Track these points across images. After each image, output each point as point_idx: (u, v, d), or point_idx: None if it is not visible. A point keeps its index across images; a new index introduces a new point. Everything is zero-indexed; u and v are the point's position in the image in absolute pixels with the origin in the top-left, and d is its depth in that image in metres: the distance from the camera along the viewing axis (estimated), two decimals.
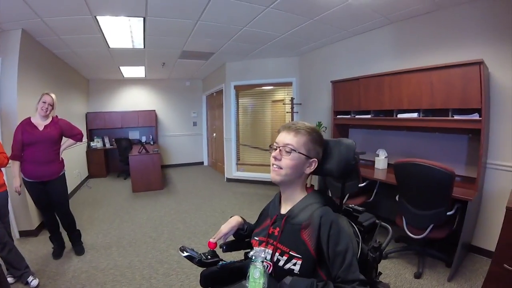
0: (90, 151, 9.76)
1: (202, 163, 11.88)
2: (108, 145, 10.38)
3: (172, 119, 11.36)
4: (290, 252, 1.52)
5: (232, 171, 8.75)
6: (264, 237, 1.70)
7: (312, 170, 1.65)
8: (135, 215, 5.95)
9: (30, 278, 3.41)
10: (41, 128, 3.78)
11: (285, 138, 1.61)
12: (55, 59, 6.65)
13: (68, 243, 4.36)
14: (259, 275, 1.54)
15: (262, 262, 1.57)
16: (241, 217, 1.97)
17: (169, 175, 9.86)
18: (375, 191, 4.50)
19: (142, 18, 4.61)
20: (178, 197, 7.24)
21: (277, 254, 1.58)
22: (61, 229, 4.24)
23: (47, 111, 3.76)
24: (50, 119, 3.90)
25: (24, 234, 4.81)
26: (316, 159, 1.64)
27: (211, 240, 1.84)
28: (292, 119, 6.96)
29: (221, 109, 9.17)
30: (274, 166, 1.62)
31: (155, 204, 6.69)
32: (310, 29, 5.10)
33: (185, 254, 1.83)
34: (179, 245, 4.11)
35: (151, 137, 10.91)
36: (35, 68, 5.39)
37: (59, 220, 4.17)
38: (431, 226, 3.35)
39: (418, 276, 3.46)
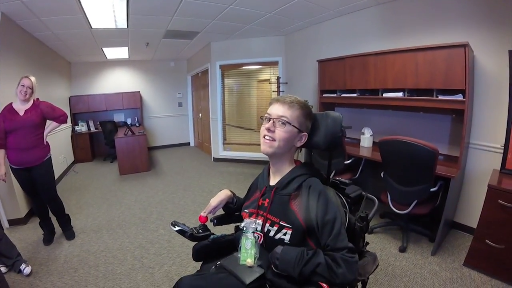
0: (75, 135, 9.58)
1: (188, 143, 11.86)
2: (93, 129, 10.21)
3: (157, 100, 11.25)
4: (280, 222, 1.58)
5: (218, 151, 8.77)
6: (254, 209, 1.74)
7: (302, 143, 1.68)
8: (123, 198, 5.96)
9: (22, 266, 3.40)
10: (21, 113, 3.69)
11: (278, 110, 1.62)
12: (36, 43, 6.48)
13: (58, 229, 4.34)
14: (251, 245, 1.61)
15: (253, 233, 1.63)
16: (230, 191, 2.00)
17: (155, 157, 9.84)
18: (360, 168, 4.60)
19: None
20: (165, 178, 7.27)
21: (267, 224, 1.63)
22: (51, 215, 4.22)
23: (26, 94, 3.67)
24: (31, 102, 3.79)
25: (13, 222, 4.75)
26: (306, 133, 1.67)
27: (202, 214, 1.86)
28: None
29: (207, 89, 9.10)
30: (267, 137, 1.63)
31: (142, 186, 6.70)
32: (295, 8, 5.05)
33: (177, 228, 1.85)
34: (169, 225, 4.18)
35: (136, 119, 10.80)
36: (15, 53, 5.25)
37: (47, 206, 4.14)
38: (415, 202, 3.44)
39: (402, 250, 3.58)
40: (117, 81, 10.67)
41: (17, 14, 4.80)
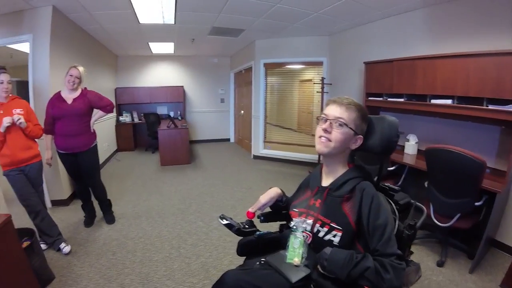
0: (118, 125, 10.02)
1: (228, 139, 11.94)
2: (136, 120, 10.57)
3: (200, 95, 11.42)
4: (331, 224, 1.57)
5: (259, 148, 8.75)
6: (305, 208, 1.74)
7: (357, 146, 1.66)
8: (163, 188, 6.10)
9: (62, 245, 3.59)
10: (69, 101, 3.85)
11: (336, 111, 1.61)
12: (85, 35, 6.76)
13: (99, 212, 4.54)
14: (299, 244, 1.61)
15: (302, 232, 1.63)
16: (280, 189, 1.99)
17: (195, 151, 9.99)
18: (403, 176, 4.44)
19: None
20: (205, 172, 7.35)
21: (317, 225, 1.62)
22: (93, 199, 4.40)
23: (74, 84, 3.82)
24: (79, 92, 3.94)
25: (56, 203, 5.02)
26: (361, 136, 1.65)
27: (250, 209, 1.87)
28: (322, 99, 6.90)
29: (249, 87, 9.11)
30: (323, 138, 1.62)
31: (182, 177, 6.82)
32: (342, 8, 4.97)
33: (225, 222, 1.88)
34: (207, 218, 4.30)
35: (178, 112, 11.01)
36: (66, 44, 5.49)
37: (90, 190, 4.32)
38: (458, 215, 3.30)
39: (440, 264, 3.44)
40: (161, 75, 10.97)
41: (68, 7, 5.02)
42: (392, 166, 4.40)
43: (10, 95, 3.35)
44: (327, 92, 7.03)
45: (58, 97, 3.86)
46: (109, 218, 4.48)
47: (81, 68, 3.89)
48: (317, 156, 7.04)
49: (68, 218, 4.60)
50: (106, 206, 4.49)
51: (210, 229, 4.22)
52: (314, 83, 7.48)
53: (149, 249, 3.74)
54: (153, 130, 9.41)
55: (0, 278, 1.97)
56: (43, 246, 3.50)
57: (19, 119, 3.18)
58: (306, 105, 8.42)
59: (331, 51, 7.20)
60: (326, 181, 1.75)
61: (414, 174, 4.24)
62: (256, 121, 8.70)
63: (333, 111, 1.62)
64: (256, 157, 8.79)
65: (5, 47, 5.19)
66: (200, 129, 11.56)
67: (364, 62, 5.33)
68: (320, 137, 1.63)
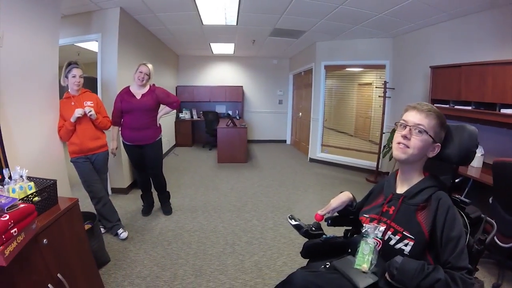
0: (178, 121, 10.43)
1: (284, 141, 11.93)
2: (195, 117, 10.94)
3: (258, 96, 11.54)
4: (404, 232, 1.53)
5: (316, 151, 8.64)
6: (377, 214, 1.71)
7: (434, 154, 1.61)
8: (219, 184, 6.23)
9: (120, 230, 3.80)
10: (138, 96, 4.06)
11: (415, 117, 1.58)
12: (149, 35, 7.09)
13: (157, 203, 4.73)
14: (369, 251, 1.57)
15: (373, 239, 1.60)
16: (351, 194, 1.98)
17: (252, 150, 10.09)
18: (466, 189, 4.17)
19: None
20: (261, 172, 7.39)
21: (389, 232, 1.59)
22: (153, 190, 4.60)
23: (143, 80, 4.02)
24: (147, 87, 4.15)
25: (116, 191, 5.33)
26: (439, 144, 1.60)
27: (319, 212, 1.87)
28: (384, 104, 6.72)
29: (309, 89, 9.03)
30: (401, 144, 1.59)
31: (239, 176, 6.92)
32: (408, 9, 4.81)
33: (294, 223, 1.90)
34: (263, 217, 4.38)
35: (237, 112, 11.22)
36: (132, 43, 5.82)
37: (151, 181, 4.52)
38: None
39: (496, 287, 3.20)
40: (221, 75, 11.24)
41: (135, 9, 5.29)
42: (456, 179, 4.15)
43: (82, 88, 3.56)
44: (389, 97, 6.83)
45: (127, 92, 4.08)
46: (167, 209, 4.64)
47: (150, 65, 4.08)
48: (376, 163, 6.89)
49: (126, 205, 4.86)
50: (165, 197, 4.67)
51: (265, 228, 4.24)
52: (375, 87, 7.27)
53: (204, 242, 3.82)
54: (211, 128, 9.66)
55: (65, 256, 2.11)
56: (101, 230, 3.71)
57: (90, 111, 3.39)
58: (364, 109, 8.20)
59: (394, 54, 6.96)
60: (401, 189, 1.71)
61: (478, 189, 3.96)
62: (315, 123, 8.59)
63: (413, 117, 1.58)
64: (312, 160, 8.70)
65: (72, 45, 5.54)
66: (257, 129, 11.67)
67: (431, 67, 5.09)
68: (398, 143, 1.61)
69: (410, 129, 1.56)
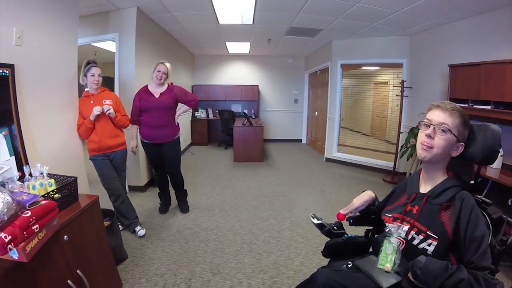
0: (194, 120, 10.51)
1: (300, 140, 11.88)
2: (211, 116, 10.99)
3: (274, 95, 11.52)
4: (427, 232, 1.53)
5: (332, 151, 8.57)
6: (400, 214, 1.71)
7: (458, 154, 1.61)
8: (236, 183, 6.24)
9: (137, 228, 3.84)
10: (157, 95, 4.10)
11: (439, 116, 1.57)
12: (166, 35, 7.14)
13: (173, 201, 4.77)
14: (392, 250, 1.57)
15: (396, 238, 1.60)
16: (373, 193, 1.98)
17: (268, 149, 10.07)
18: (485, 191, 4.06)
19: None
20: (277, 171, 7.37)
21: (412, 232, 1.59)
22: (170, 188, 4.64)
23: (161, 79, 4.06)
24: (165, 86, 4.19)
25: (133, 189, 5.39)
26: (463, 143, 1.59)
27: (341, 211, 1.89)
28: (402, 103, 6.61)
29: (325, 88, 8.99)
30: (425, 143, 1.58)
31: (255, 175, 6.92)
32: (426, 6, 4.72)
33: (317, 221, 1.93)
34: (280, 216, 4.39)
35: (252, 111, 11.23)
36: (148, 43, 5.86)
37: (169, 179, 4.55)
38: None
39: None
40: (236, 74, 11.28)
41: (152, 8, 5.33)
42: (474, 180, 4.07)
43: (100, 87, 3.60)
44: (406, 96, 6.72)
45: (145, 91, 4.13)
46: (184, 207, 4.68)
47: (168, 64, 4.12)
48: (392, 163, 6.81)
49: (144, 203, 4.91)
50: (182, 195, 4.70)
51: (282, 228, 4.23)
52: (393, 86, 7.16)
53: (221, 241, 3.83)
54: (227, 126, 9.69)
55: (85, 252, 2.13)
56: (119, 227, 3.72)
57: (108, 109, 3.42)
58: (381, 109, 8.10)
59: (412, 52, 6.84)
60: (424, 188, 1.70)
61: (498, 190, 3.87)
62: (331, 123, 8.52)
63: (437, 116, 1.57)
64: (328, 159, 8.62)
65: (89, 45, 5.61)
66: (272, 128, 11.65)
67: (449, 65, 4.99)
68: (422, 142, 1.59)
69: (434, 128, 1.55)
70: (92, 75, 3.43)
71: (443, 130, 1.53)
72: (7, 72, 2.29)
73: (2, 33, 2.31)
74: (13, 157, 2.28)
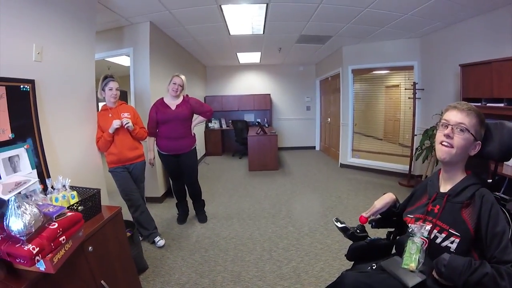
0: (208, 131, 10.60)
1: (314, 147, 11.85)
2: (224, 126, 11.08)
3: (286, 103, 11.55)
4: (450, 230, 1.56)
5: (347, 157, 8.53)
6: (421, 214, 1.73)
7: (476, 152, 1.63)
8: (252, 192, 6.25)
9: (157, 238, 3.88)
10: (173, 107, 4.16)
11: (457, 117, 1.61)
12: (178, 48, 7.25)
13: (191, 211, 4.80)
14: (416, 250, 1.59)
15: (419, 238, 1.62)
16: (394, 195, 2.02)
17: (282, 157, 10.07)
18: (502, 189, 4.00)
19: (265, 4, 4.72)
20: (293, 178, 7.35)
21: (435, 231, 1.62)
22: (187, 198, 4.68)
23: (177, 91, 4.13)
24: (181, 98, 4.26)
25: (150, 200, 5.38)
26: (480, 142, 1.63)
27: (364, 214, 1.92)
28: (414, 106, 6.58)
29: (337, 94, 8.98)
30: (444, 143, 1.62)
31: (271, 183, 6.91)
32: (434, 7, 4.71)
33: (341, 225, 1.96)
34: (298, 223, 4.40)
35: (265, 120, 11.26)
36: (162, 56, 5.96)
37: (187, 189, 4.58)
38: None
39: None
40: (248, 84, 11.38)
41: (164, 23, 5.44)
42: (491, 178, 4.03)
43: (118, 100, 3.67)
44: (419, 98, 6.69)
45: (161, 103, 4.19)
46: (202, 217, 4.70)
47: (183, 77, 4.20)
48: (408, 166, 6.76)
49: (161, 214, 4.95)
50: (200, 205, 4.74)
51: (301, 235, 4.22)
52: (405, 89, 7.14)
53: (241, 249, 3.84)
54: (241, 136, 9.73)
55: (109, 263, 2.16)
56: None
57: (127, 122, 3.48)
58: (393, 112, 8.02)
59: (423, 54, 6.82)
60: (444, 187, 1.73)
61: None
62: (345, 129, 8.50)
63: (454, 116, 1.62)
64: (343, 165, 8.59)
65: (103, 60, 5.70)
66: (286, 136, 11.65)
67: (460, 65, 4.97)
68: (441, 143, 1.64)
69: (452, 128, 1.59)
70: (110, 89, 3.50)
71: (461, 130, 1.57)
72: (28, 87, 2.36)
73: (22, 49, 2.39)
74: (35, 170, 2.34)
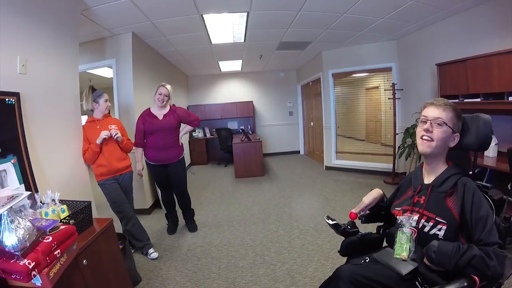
0: (192, 140, 10.58)
1: (298, 152, 11.93)
2: (208, 135, 11.07)
3: (269, 109, 11.64)
4: (436, 218, 1.67)
5: (331, 159, 8.60)
6: (408, 205, 1.83)
7: (455, 144, 1.75)
8: (241, 199, 6.25)
9: (151, 250, 3.83)
10: (160, 117, 4.15)
11: (434, 112, 1.73)
12: (160, 58, 7.26)
13: (180, 221, 4.77)
14: (406, 240, 1.70)
15: (408, 228, 1.72)
16: (381, 190, 2.10)
17: (268, 163, 10.09)
18: (485, 179, 4.15)
19: (246, 13, 4.79)
20: (280, 183, 7.38)
21: (422, 220, 1.72)
22: (177, 208, 4.64)
23: (163, 101, 4.12)
24: (168, 108, 4.25)
25: (138, 212, 5.23)
26: (458, 134, 1.74)
27: (353, 211, 2.00)
28: (394, 106, 6.73)
29: (318, 98, 9.10)
30: (425, 137, 1.73)
31: (258, 189, 6.93)
32: (408, 11, 4.85)
33: (332, 222, 2.02)
34: (288, 227, 4.42)
35: (249, 127, 11.33)
36: (145, 66, 5.96)
37: (176, 199, 4.57)
38: None
39: None
40: (230, 92, 11.43)
41: (146, 33, 5.45)
42: (472, 170, 4.13)
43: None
44: (399, 98, 6.84)
45: (148, 114, 4.18)
46: (192, 226, 4.67)
47: (168, 86, 4.19)
48: (391, 165, 6.89)
49: (151, 225, 4.89)
50: (190, 215, 4.71)
51: (292, 237, 4.24)
52: (385, 90, 7.30)
53: (234, 255, 3.83)
54: (225, 144, 9.75)
55: (104, 276, 2.14)
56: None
57: (116, 133, 3.49)
58: (374, 113, 8.15)
59: (400, 56, 6.98)
60: (428, 179, 1.85)
61: (496, 177, 4.01)
62: (328, 132, 8.59)
63: (432, 112, 1.73)
64: (328, 168, 8.66)
65: (84, 72, 5.65)
66: (270, 142, 11.71)
67: (436, 64, 5.15)
68: (422, 137, 1.75)
69: (431, 123, 1.72)
70: (105, 101, 3.54)
71: (439, 124, 1.70)
72: (13, 100, 2.32)
73: (6, 62, 2.36)
74: (23, 185, 2.31)
